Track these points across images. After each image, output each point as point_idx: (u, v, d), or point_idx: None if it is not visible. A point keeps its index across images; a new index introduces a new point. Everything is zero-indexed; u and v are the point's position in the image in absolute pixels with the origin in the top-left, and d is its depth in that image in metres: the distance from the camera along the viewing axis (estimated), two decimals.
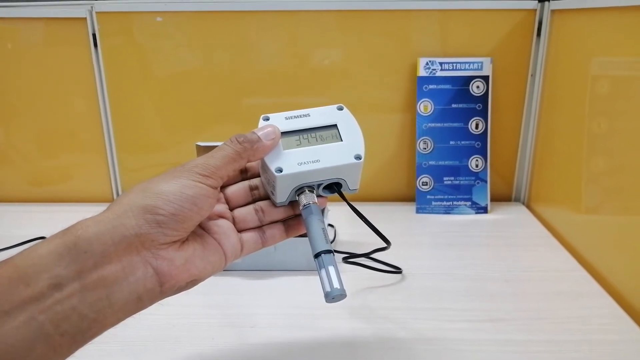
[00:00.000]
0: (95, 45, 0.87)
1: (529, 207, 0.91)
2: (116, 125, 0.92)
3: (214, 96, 0.90)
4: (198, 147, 0.68)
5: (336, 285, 0.37)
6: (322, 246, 0.39)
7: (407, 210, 0.89)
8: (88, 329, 0.33)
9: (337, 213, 0.79)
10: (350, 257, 0.61)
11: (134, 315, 0.35)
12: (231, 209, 0.43)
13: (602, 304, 0.60)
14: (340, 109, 0.45)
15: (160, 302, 0.36)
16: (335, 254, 0.40)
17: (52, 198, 0.97)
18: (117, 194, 0.97)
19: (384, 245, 0.47)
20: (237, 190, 0.44)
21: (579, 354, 0.51)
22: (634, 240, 0.59)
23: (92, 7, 0.85)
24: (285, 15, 0.85)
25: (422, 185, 0.87)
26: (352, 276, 0.65)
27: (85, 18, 0.85)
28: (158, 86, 0.90)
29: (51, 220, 0.86)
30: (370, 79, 0.88)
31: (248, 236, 0.43)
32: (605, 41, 0.67)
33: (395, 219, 0.86)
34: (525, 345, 0.52)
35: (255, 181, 0.45)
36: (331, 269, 0.38)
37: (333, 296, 0.37)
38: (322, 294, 0.37)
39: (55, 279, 0.31)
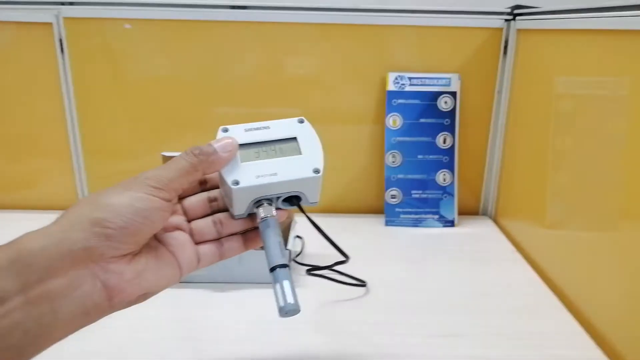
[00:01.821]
0: (62, 50, 0.85)
1: (495, 221, 0.92)
2: (83, 131, 0.90)
3: (185, 104, 0.89)
4: (164, 157, 0.68)
5: (290, 300, 0.37)
6: (278, 260, 0.39)
7: (376, 223, 0.89)
8: (32, 344, 0.32)
9: (306, 225, 0.79)
10: (312, 270, 0.61)
11: (92, 327, 0.35)
12: (189, 221, 0.43)
13: (561, 320, 0.61)
14: (301, 121, 0.45)
15: (120, 313, 0.36)
16: (292, 267, 0.40)
17: (15, 205, 0.94)
18: None
19: (343, 259, 0.48)
20: (196, 201, 0.43)
21: None
22: (595, 256, 0.60)
23: (59, 12, 0.83)
24: (259, 26, 0.85)
25: (391, 198, 0.88)
26: (317, 289, 0.65)
27: (52, 23, 0.84)
28: (127, 92, 0.89)
29: (14, 228, 0.83)
30: (342, 91, 0.88)
31: (205, 248, 0.42)
32: (568, 61, 0.69)
33: (363, 230, 0.86)
34: None
35: (214, 192, 0.44)
36: (286, 283, 0.38)
37: (286, 311, 0.37)
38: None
39: None
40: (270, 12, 0.84)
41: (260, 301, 0.64)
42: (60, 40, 0.85)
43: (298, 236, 0.79)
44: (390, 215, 0.88)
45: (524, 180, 0.82)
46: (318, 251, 0.76)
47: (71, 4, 0.84)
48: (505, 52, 0.86)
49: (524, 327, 0.59)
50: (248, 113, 0.89)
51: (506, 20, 0.84)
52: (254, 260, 0.66)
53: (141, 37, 0.86)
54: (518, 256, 0.78)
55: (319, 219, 0.46)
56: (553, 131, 0.72)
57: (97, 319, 0.35)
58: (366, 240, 0.83)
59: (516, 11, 0.83)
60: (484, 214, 0.96)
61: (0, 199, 0.94)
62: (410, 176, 0.87)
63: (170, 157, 0.67)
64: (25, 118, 0.90)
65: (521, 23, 0.82)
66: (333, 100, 0.89)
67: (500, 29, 0.85)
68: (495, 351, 0.54)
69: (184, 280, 0.40)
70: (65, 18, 0.84)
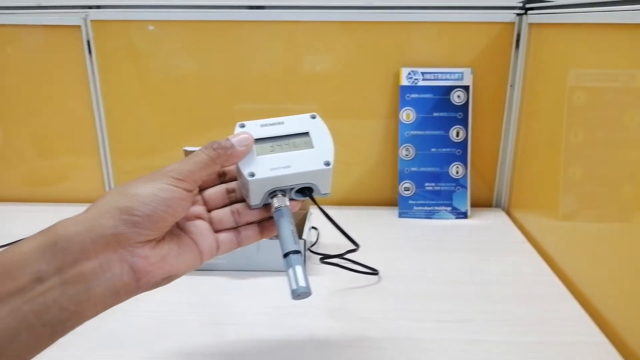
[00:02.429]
0: (90, 51, 0.90)
1: (508, 213, 0.94)
2: (110, 128, 0.95)
3: (207, 101, 0.93)
4: (185, 151, 0.71)
5: (302, 283, 0.40)
6: (291, 247, 0.42)
7: (390, 215, 0.92)
8: (68, 320, 0.35)
9: (321, 217, 0.82)
10: (325, 258, 0.64)
11: (120, 311, 0.37)
12: (209, 211, 0.46)
13: (567, 308, 0.62)
14: (313, 117, 0.47)
15: (145, 298, 0.39)
16: (307, 256, 0.42)
17: (47, 198, 1.00)
18: None
19: (354, 247, 0.50)
20: (215, 192, 0.46)
21: (543, 354, 0.53)
22: (604, 247, 0.61)
23: (86, 15, 0.88)
24: (276, 25, 0.88)
25: (404, 190, 0.90)
26: (331, 277, 0.68)
27: (80, 26, 0.88)
28: (152, 91, 0.93)
29: (46, 220, 0.88)
30: (357, 87, 0.91)
31: (224, 236, 0.45)
32: (581, 54, 0.69)
33: (377, 222, 0.88)
34: (489, 345, 0.55)
35: (232, 184, 0.47)
36: (298, 268, 0.41)
37: (299, 293, 0.40)
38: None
39: (38, 273, 0.34)
40: (286, 12, 0.87)
41: (277, 288, 0.67)
42: (88, 42, 0.89)
43: (313, 227, 0.82)
44: (404, 207, 0.90)
45: (537, 173, 0.83)
46: (332, 241, 0.79)
47: (98, 7, 0.88)
48: (517, 46, 0.87)
49: (532, 315, 0.60)
50: (267, 109, 0.92)
51: (518, 14, 0.85)
52: (271, 249, 0.70)
53: (164, 37, 0.89)
54: (529, 247, 0.79)
55: (334, 211, 0.48)
56: (566, 124, 0.73)
57: (126, 299, 0.38)
58: (379, 231, 0.85)
59: (528, 5, 0.84)
60: (497, 206, 0.97)
61: (33, 193, 1.00)
62: (423, 169, 0.89)
63: (191, 152, 0.71)
64: (56, 117, 0.95)
65: (533, 17, 0.83)
66: (348, 96, 0.91)
67: (512, 23, 0.86)
68: (504, 337, 0.56)
69: (205, 268, 0.43)
70: (93, 21, 0.88)
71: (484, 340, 0.55)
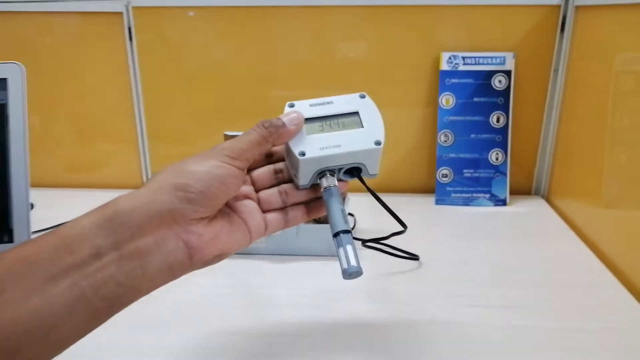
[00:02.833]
0: (131, 38, 0.91)
1: (548, 200, 0.92)
2: (148, 115, 0.96)
3: (242, 88, 0.93)
4: (226, 136, 0.72)
5: (353, 262, 0.39)
6: (341, 226, 0.41)
7: (426, 202, 0.91)
8: (124, 295, 0.35)
9: (357, 202, 0.82)
10: (368, 241, 0.64)
11: (164, 293, 0.38)
12: (257, 191, 0.46)
13: (616, 295, 0.61)
14: (363, 96, 0.47)
15: (188, 281, 0.39)
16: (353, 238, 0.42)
17: (86, 184, 1.02)
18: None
19: (401, 229, 0.50)
20: (263, 173, 0.46)
21: (591, 341, 0.52)
22: None
23: (128, 2, 0.89)
24: (311, 10, 0.88)
25: (442, 177, 0.89)
26: (370, 262, 0.68)
27: (122, 12, 0.89)
28: (188, 78, 0.93)
29: (86, 205, 0.89)
30: (394, 73, 0.90)
31: (272, 216, 0.45)
32: (629, 37, 0.67)
33: (414, 209, 0.88)
34: (537, 331, 0.54)
35: (279, 165, 0.47)
36: (349, 247, 0.40)
37: (350, 273, 0.39)
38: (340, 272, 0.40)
39: (96, 248, 0.34)
40: None
41: (316, 271, 0.67)
42: (129, 29, 0.90)
43: (350, 213, 0.82)
44: (441, 194, 0.89)
45: (580, 160, 0.81)
46: (369, 227, 0.79)
47: None
48: (562, 30, 0.84)
49: (578, 301, 0.59)
50: (301, 95, 0.91)
51: None
52: (310, 233, 0.70)
53: (201, 24, 0.90)
54: (572, 234, 0.77)
55: (370, 197, 0.48)
56: (611, 109, 0.71)
57: (180, 276, 0.39)
58: (417, 217, 0.84)
59: None
60: (536, 193, 0.95)
61: (73, 178, 1.02)
62: (462, 155, 0.88)
63: (232, 136, 0.71)
64: (96, 104, 0.97)
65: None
66: (385, 81, 0.90)
67: (558, 6, 0.84)
68: (549, 323, 0.55)
69: (244, 252, 0.43)
70: (134, 7, 0.89)
71: (530, 326, 0.55)
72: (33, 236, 0.68)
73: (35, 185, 0.63)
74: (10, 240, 0.67)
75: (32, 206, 0.90)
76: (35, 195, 0.64)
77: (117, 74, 0.94)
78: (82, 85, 0.96)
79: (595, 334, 0.53)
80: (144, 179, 1.01)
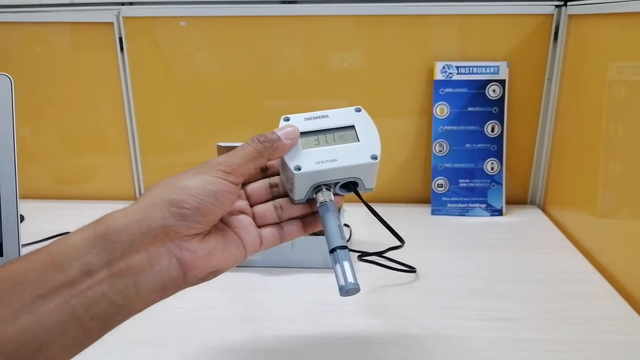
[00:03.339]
0: (122, 48, 0.90)
1: (544, 210, 0.91)
2: (140, 126, 0.95)
3: (235, 98, 0.92)
4: (219, 147, 0.71)
5: (350, 279, 0.38)
6: (338, 242, 0.41)
7: (422, 212, 0.90)
8: (116, 314, 0.35)
9: (353, 214, 0.81)
10: (364, 255, 0.63)
11: (157, 308, 0.37)
12: (251, 206, 0.45)
13: (615, 306, 0.60)
14: (358, 110, 0.46)
15: (182, 295, 0.38)
16: (350, 250, 0.41)
17: (77, 195, 1.00)
18: (140, 192, 1.00)
19: (399, 244, 0.49)
20: (258, 187, 0.46)
21: (591, 353, 0.52)
22: None
23: (119, 12, 0.88)
24: (304, 20, 0.87)
25: (438, 187, 0.89)
26: (367, 275, 0.67)
27: (112, 23, 0.88)
28: (180, 89, 0.93)
29: (77, 217, 0.88)
30: (388, 83, 0.89)
31: (267, 231, 0.44)
32: (622, 46, 0.67)
33: (410, 219, 0.87)
34: (536, 344, 0.53)
35: (275, 179, 0.46)
36: (346, 263, 0.39)
37: (347, 290, 0.38)
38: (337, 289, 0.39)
39: (87, 265, 0.33)
40: (318, 6, 0.86)
41: (311, 284, 0.66)
42: (120, 39, 0.89)
43: (345, 224, 0.81)
44: (437, 204, 0.89)
45: (575, 169, 0.81)
46: (365, 239, 0.78)
47: (131, 3, 0.88)
48: (555, 39, 0.85)
49: (577, 313, 0.59)
50: (296, 105, 0.92)
51: (557, 6, 0.83)
52: (306, 246, 0.69)
53: (193, 34, 0.89)
54: (568, 244, 0.77)
55: (366, 209, 0.47)
56: (605, 118, 0.71)
57: (173, 293, 0.38)
58: (413, 228, 0.84)
59: None
60: (532, 203, 0.95)
61: (65, 190, 1.00)
62: (457, 165, 0.88)
63: (225, 147, 0.71)
64: (87, 115, 0.95)
65: (573, 8, 0.81)
66: (379, 91, 0.90)
67: (551, 15, 0.84)
68: (549, 335, 0.54)
69: (240, 265, 0.42)
70: (125, 17, 0.88)
71: (530, 339, 0.54)
72: (23, 249, 0.67)
73: (25, 197, 0.62)
74: (0, 254, 0.66)
75: (22, 218, 0.89)
76: (25, 207, 0.63)
77: (108, 85, 0.93)
78: (73, 95, 0.94)
79: (594, 346, 0.53)
80: (136, 190, 0.99)
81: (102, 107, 0.95)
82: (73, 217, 0.97)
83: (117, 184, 0.99)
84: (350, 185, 0.45)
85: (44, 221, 0.90)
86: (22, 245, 0.67)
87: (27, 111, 0.95)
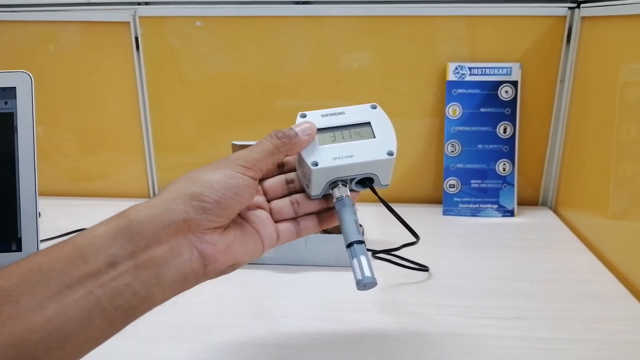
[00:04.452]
0: (138, 48, 0.91)
1: (555, 211, 0.91)
2: (154, 125, 0.96)
3: (247, 98, 0.93)
4: (234, 145, 0.71)
5: (367, 273, 0.39)
6: (355, 237, 0.41)
7: (433, 212, 0.90)
8: (139, 305, 0.35)
9: (365, 213, 0.81)
10: (378, 252, 0.63)
11: (171, 303, 0.38)
12: (268, 201, 0.46)
13: (628, 307, 0.60)
14: (374, 107, 0.47)
15: (196, 291, 0.39)
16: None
17: (91, 193, 1.01)
18: (153, 190, 1.01)
19: (413, 240, 0.50)
20: (275, 183, 0.46)
21: (603, 352, 0.52)
22: None
23: (135, 12, 0.89)
24: (316, 21, 0.88)
25: (450, 187, 0.89)
26: (379, 273, 0.66)
27: (129, 22, 0.89)
28: (194, 88, 0.94)
29: (92, 213, 0.89)
30: (400, 83, 0.90)
31: (284, 226, 0.45)
32: (635, 48, 0.68)
33: (422, 220, 0.87)
34: (549, 343, 0.53)
35: (291, 175, 0.47)
36: (363, 258, 0.40)
37: (364, 284, 0.39)
38: (353, 289, 0.39)
39: (111, 257, 0.34)
40: (330, 7, 0.87)
41: (325, 281, 0.67)
42: (136, 39, 0.91)
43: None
44: (449, 204, 0.89)
45: (586, 171, 0.81)
46: (376, 237, 0.78)
47: (147, 3, 0.90)
48: (568, 41, 0.85)
49: (590, 312, 0.59)
50: (307, 106, 0.91)
51: (570, 8, 0.83)
52: (319, 243, 0.69)
53: (208, 34, 0.90)
54: (580, 245, 0.77)
55: (377, 208, 0.48)
56: (617, 120, 0.71)
57: (193, 285, 0.39)
58: (425, 228, 0.83)
59: None
60: (543, 204, 0.95)
61: (79, 187, 1.02)
62: (469, 166, 0.88)
63: (240, 146, 0.71)
64: (102, 113, 0.97)
65: (586, 10, 0.81)
66: (390, 92, 0.90)
67: (564, 17, 0.84)
68: (562, 334, 0.55)
69: (252, 261, 0.43)
70: (141, 17, 0.89)
71: (544, 338, 0.54)
72: (41, 245, 0.68)
73: (40, 194, 0.63)
74: (19, 249, 0.67)
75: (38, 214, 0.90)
76: (40, 204, 0.64)
77: (123, 84, 0.94)
78: (89, 94, 0.96)
79: (607, 345, 0.53)
80: (150, 188, 1.00)
81: (117, 105, 0.96)
82: (88, 213, 0.99)
83: (130, 181, 1.00)
84: (366, 181, 0.46)
85: (59, 217, 0.91)
86: (40, 240, 0.68)
87: (42, 109, 0.96)
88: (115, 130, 0.98)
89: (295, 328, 0.57)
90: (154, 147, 0.98)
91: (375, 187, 0.46)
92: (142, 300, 0.35)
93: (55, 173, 1.01)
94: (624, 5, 0.70)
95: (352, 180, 0.45)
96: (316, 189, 0.44)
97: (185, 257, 0.37)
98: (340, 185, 0.44)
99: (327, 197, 0.46)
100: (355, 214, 0.43)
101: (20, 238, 0.67)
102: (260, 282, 0.67)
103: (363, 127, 0.46)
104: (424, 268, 0.68)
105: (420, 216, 0.89)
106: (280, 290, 0.65)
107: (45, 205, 0.96)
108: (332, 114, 0.46)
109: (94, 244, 0.35)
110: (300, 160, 0.44)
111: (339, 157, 0.43)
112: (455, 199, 0.89)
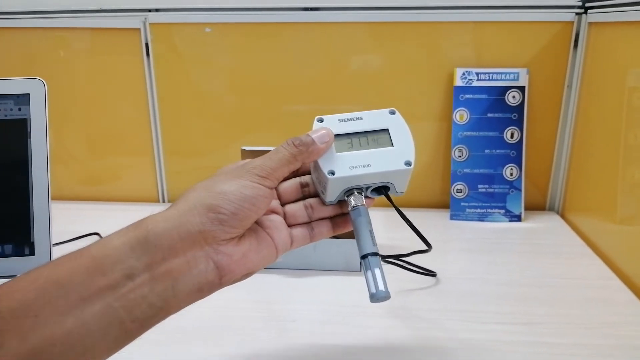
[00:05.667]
0: (148, 54, 0.92)
1: (563, 216, 0.92)
2: (163, 130, 0.97)
3: (256, 103, 0.94)
4: (243, 151, 0.72)
5: (381, 287, 0.39)
6: (370, 248, 0.41)
7: (441, 217, 0.91)
8: (155, 316, 0.36)
9: (374, 218, 0.81)
10: (387, 257, 0.64)
11: (186, 308, 0.38)
12: (282, 204, 0.45)
13: (636, 312, 0.60)
14: (393, 112, 0.46)
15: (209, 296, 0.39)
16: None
17: (101, 197, 1.02)
18: (163, 195, 1.01)
19: (425, 248, 0.50)
20: (289, 186, 0.46)
21: (612, 358, 0.52)
22: None
23: (146, 18, 0.90)
24: (325, 27, 0.89)
25: (457, 192, 0.89)
26: (387, 278, 0.68)
27: (139, 29, 0.90)
28: (203, 93, 0.94)
29: (102, 218, 0.91)
30: (408, 88, 0.91)
31: (297, 231, 0.45)
32: None
33: (429, 224, 0.88)
34: (557, 348, 0.54)
35: (305, 178, 0.46)
36: (377, 271, 0.40)
37: (378, 297, 0.39)
38: (362, 294, 0.39)
39: (129, 269, 0.34)
40: (340, 13, 0.87)
41: (334, 287, 0.67)
42: (147, 45, 0.91)
43: None
44: (456, 209, 0.90)
45: (594, 176, 0.81)
46: (384, 242, 0.78)
47: (157, 10, 0.90)
48: (575, 46, 0.85)
49: (598, 318, 0.59)
50: (315, 111, 0.92)
51: (577, 13, 0.84)
52: (328, 249, 0.70)
53: (217, 40, 0.91)
54: (588, 250, 0.77)
55: (385, 213, 0.48)
56: (625, 125, 0.71)
57: (208, 295, 0.39)
58: (432, 233, 0.83)
59: (588, 4, 0.83)
60: (550, 209, 0.95)
61: (89, 191, 1.03)
62: (476, 170, 0.88)
63: (250, 151, 0.72)
64: (112, 118, 0.98)
65: (593, 16, 0.81)
66: (398, 97, 0.91)
67: (571, 23, 0.84)
68: (570, 339, 0.55)
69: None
70: (152, 24, 0.90)
71: (552, 343, 0.54)
72: (54, 249, 0.69)
73: (51, 198, 0.64)
74: (32, 253, 0.68)
75: None
76: (51, 207, 0.65)
77: (133, 89, 0.95)
78: (99, 99, 0.97)
79: (615, 351, 0.53)
80: (159, 193, 1.01)
81: (127, 110, 0.97)
82: (98, 217, 1.00)
83: (140, 186, 1.01)
84: (382, 189, 0.45)
85: (70, 222, 0.91)
86: (53, 244, 0.69)
87: (53, 114, 0.97)
88: (125, 134, 0.99)
89: (304, 333, 0.57)
90: (164, 152, 0.99)
91: (391, 195, 0.46)
92: (157, 312, 0.36)
93: (65, 177, 1.02)
94: (632, 11, 0.70)
95: (367, 187, 0.45)
96: (331, 196, 0.44)
97: (201, 269, 0.37)
98: (356, 193, 0.44)
99: (341, 202, 0.45)
100: (370, 223, 0.43)
101: (34, 242, 0.68)
102: (269, 287, 0.67)
103: (381, 134, 0.45)
104: (431, 273, 0.69)
105: (428, 221, 0.89)
106: (289, 295, 0.66)
107: (56, 209, 0.97)
108: (350, 119, 0.45)
109: (111, 255, 0.35)
110: (316, 166, 0.44)
111: (355, 167, 0.43)
112: (462, 203, 0.89)
